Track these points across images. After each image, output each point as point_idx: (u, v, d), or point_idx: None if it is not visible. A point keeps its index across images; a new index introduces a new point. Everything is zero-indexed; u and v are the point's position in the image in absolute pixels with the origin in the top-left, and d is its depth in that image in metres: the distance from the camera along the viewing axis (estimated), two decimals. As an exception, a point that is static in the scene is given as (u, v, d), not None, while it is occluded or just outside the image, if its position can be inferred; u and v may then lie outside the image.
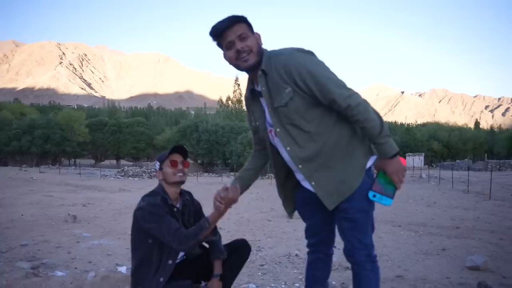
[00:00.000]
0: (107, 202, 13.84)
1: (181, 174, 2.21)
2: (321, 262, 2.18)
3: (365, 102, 1.75)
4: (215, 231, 2.21)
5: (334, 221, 2.08)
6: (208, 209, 2.46)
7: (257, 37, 1.86)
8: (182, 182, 2.25)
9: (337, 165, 1.85)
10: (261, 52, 1.85)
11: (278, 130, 1.88)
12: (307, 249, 2.23)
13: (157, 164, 2.26)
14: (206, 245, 2.36)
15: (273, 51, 1.87)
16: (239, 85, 58.51)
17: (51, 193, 15.77)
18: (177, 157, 2.24)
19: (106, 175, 30.91)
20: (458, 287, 4.60)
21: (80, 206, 12.39)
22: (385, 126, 1.77)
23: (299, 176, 1.96)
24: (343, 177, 1.85)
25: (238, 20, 1.82)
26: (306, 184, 1.93)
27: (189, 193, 2.39)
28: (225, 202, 1.94)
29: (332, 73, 1.80)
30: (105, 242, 7.47)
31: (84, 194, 16.42)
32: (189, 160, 2.33)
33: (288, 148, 1.87)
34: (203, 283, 2.37)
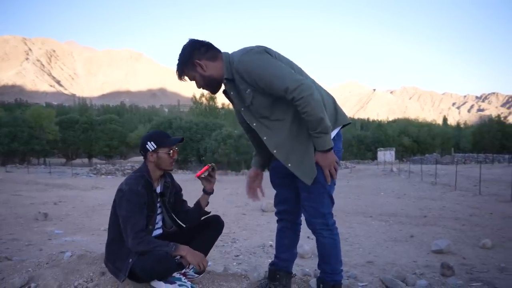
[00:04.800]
0: (80, 200, 13.53)
1: (173, 163, 2.37)
2: (288, 230, 2.32)
3: (308, 96, 1.84)
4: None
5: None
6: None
7: (199, 68, 2.04)
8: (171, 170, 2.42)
9: (305, 144, 2.00)
10: (207, 78, 2.05)
11: (254, 124, 2.08)
12: (276, 217, 2.36)
13: (153, 145, 2.30)
14: (183, 225, 2.46)
15: (231, 56, 2.03)
16: (213, 82, 57.98)
17: (20, 192, 15.23)
18: (174, 147, 2.37)
19: (78, 174, 30.10)
20: (423, 269, 4.86)
21: (51, 204, 12.05)
22: (323, 123, 1.88)
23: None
24: (311, 154, 2.00)
25: (180, 71, 2.08)
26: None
27: (170, 175, 2.48)
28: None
29: (278, 68, 1.90)
30: (78, 239, 7.34)
31: (55, 193, 15.95)
32: None
33: (265, 138, 2.07)
34: (178, 257, 2.46)
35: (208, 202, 2.53)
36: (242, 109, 2.09)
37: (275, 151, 2.05)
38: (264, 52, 1.96)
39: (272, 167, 2.28)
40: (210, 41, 2.09)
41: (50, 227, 8.41)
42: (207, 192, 2.48)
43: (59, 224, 8.87)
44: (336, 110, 2.11)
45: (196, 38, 2.09)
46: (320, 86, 2.12)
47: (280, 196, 2.29)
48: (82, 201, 13.21)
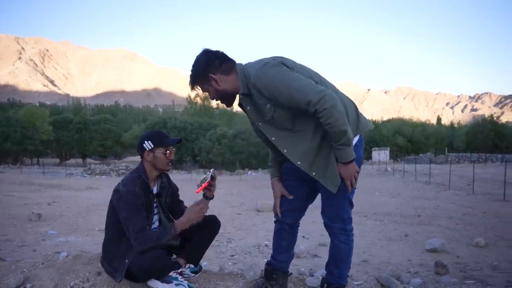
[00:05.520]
0: (74, 200, 13.46)
1: (170, 163, 2.36)
2: (286, 232, 2.31)
3: (332, 108, 1.80)
4: (176, 237, 2.28)
5: (309, 199, 2.27)
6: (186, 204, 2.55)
7: (213, 82, 2.00)
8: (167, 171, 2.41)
9: (328, 154, 1.99)
10: (221, 92, 2.02)
11: (273, 139, 2.05)
12: (274, 219, 2.35)
13: (150, 144, 2.29)
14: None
15: (247, 69, 1.98)
16: (208, 82, 57.92)
17: (13, 193, 15.11)
18: (171, 147, 2.36)
19: (72, 174, 29.92)
20: (418, 267, 4.90)
21: (45, 205, 11.98)
22: (346, 135, 1.85)
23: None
24: (334, 163, 1.99)
25: (193, 84, 2.06)
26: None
27: (167, 176, 2.47)
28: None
29: (297, 80, 1.86)
30: (72, 239, 7.31)
31: (49, 193, 15.84)
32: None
33: (285, 151, 2.04)
34: (174, 256, 2.47)
35: (208, 207, 2.51)
36: (260, 123, 2.05)
37: (298, 163, 2.03)
38: (280, 64, 1.91)
39: (285, 166, 2.26)
40: (224, 52, 2.05)
41: (44, 227, 8.36)
42: (207, 197, 2.47)
43: (53, 224, 8.82)
44: (358, 117, 2.10)
45: (209, 48, 2.03)
46: (342, 94, 2.10)
47: (283, 197, 2.27)
48: (76, 201, 13.14)
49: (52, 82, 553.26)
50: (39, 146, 50.33)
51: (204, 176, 2.31)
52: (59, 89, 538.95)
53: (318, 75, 2.06)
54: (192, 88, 2.09)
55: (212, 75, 1.98)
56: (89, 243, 6.88)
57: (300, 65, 2.03)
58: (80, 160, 60.19)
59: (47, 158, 59.34)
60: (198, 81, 2.03)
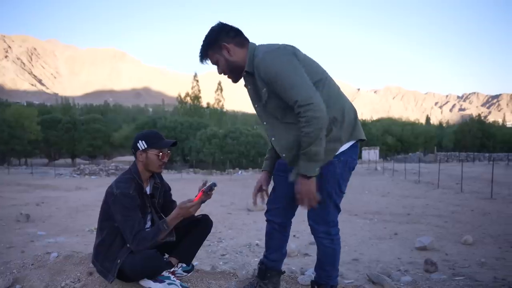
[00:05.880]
0: (63, 200, 13.30)
1: (163, 166, 2.32)
2: (277, 232, 2.29)
3: (313, 119, 1.76)
4: (172, 233, 2.26)
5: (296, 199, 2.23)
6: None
7: (226, 52, 1.97)
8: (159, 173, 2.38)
9: None
10: (232, 64, 1.98)
11: (265, 123, 2.05)
12: (265, 218, 2.33)
13: (143, 144, 2.26)
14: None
15: (257, 49, 1.96)
16: (197, 81, 57.79)
17: (0, 193, 14.91)
18: (165, 149, 2.32)
19: (61, 174, 29.57)
20: (408, 265, 4.96)
21: (34, 206, 11.83)
22: (311, 149, 1.80)
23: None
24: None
25: (204, 52, 2.01)
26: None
27: (160, 175, 2.45)
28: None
29: (298, 76, 1.82)
30: (62, 240, 7.24)
31: (38, 194, 15.64)
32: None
33: (273, 139, 2.04)
34: (166, 255, 2.46)
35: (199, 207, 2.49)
36: (256, 106, 2.04)
37: (283, 155, 2.02)
38: (290, 54, 1.88)
39: (279, 162, 2.24)
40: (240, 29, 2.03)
41: (32, 228, 8.26)
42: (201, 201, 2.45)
43: (41, 225, 8.71)
44: (355, 124, 2.05)
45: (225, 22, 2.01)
46: (346, 98, 2.07)
47: (276, 193, 2.25)
48: (66, 202, 12.97)
49: (40, 81, 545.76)
50: (27, 146, 49.59)
51: (208, 183, 2.27)
52: (47, 88, 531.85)
53: (325, 72, 2.04)
54: (202, 59, 2.03)
55: (226, 44, 1.95)
56: (79, 243, 6.82)
57: (311, 60, 2.00)
58: (69, 160, 59.48)
59: (36, 158, 58.57)
60: (210, 49, 1.98)
